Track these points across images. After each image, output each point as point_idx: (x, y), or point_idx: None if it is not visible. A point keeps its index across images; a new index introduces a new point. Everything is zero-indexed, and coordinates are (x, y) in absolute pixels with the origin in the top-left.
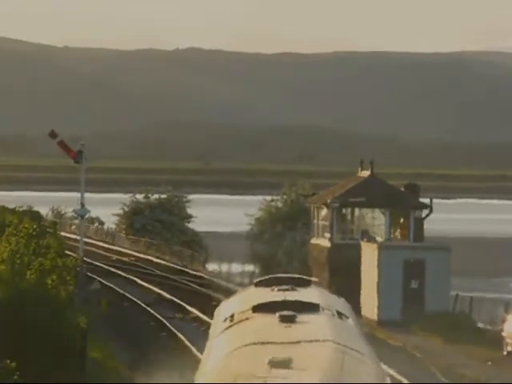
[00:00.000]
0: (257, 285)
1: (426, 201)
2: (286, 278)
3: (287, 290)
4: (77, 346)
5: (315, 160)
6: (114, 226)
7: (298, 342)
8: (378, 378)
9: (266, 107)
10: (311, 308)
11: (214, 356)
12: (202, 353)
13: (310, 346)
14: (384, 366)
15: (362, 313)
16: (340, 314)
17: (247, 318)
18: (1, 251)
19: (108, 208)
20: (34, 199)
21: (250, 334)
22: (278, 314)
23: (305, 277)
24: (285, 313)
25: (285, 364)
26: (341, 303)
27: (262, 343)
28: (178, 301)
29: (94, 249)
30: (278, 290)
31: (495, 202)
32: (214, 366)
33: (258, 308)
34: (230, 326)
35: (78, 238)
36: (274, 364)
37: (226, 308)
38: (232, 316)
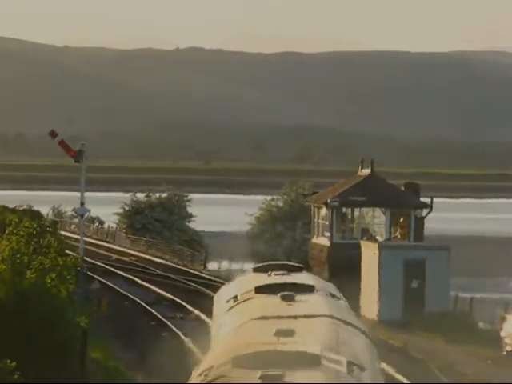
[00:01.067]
0: (254, 270)
1: (427, 200)
2: (280, 264)
3: (283, 274)
4: (77, 345)
5: (315, 160)
6: (114, 226)
7: (299, 317)
8: (368, 348)
9: (267, 107)
10: (307, 289)
11: (225, 330)
12: (201, 352)
13: (309, 320)
14: (383, 365)
15: (362, 312)
16: (332, 295)
17: (251, 298)
18: (1, 250)
19: (108, 207)
20: (34, 198)
21: (256, 310)
22: (279, 294)
23: (296, 264)
24: (285, 293)
25: (290, 334)
26: (331, 286)
27: (268, 318)
28: (179, 300)
29: (94, 248)
30: (275, 274)
31: (495, 201)
32: (227, 337)
33: (261, 289)
34: (236, 305)
35: (78, 237)
36: (281, 333)
37: (227, 291)
38: (235, 297)
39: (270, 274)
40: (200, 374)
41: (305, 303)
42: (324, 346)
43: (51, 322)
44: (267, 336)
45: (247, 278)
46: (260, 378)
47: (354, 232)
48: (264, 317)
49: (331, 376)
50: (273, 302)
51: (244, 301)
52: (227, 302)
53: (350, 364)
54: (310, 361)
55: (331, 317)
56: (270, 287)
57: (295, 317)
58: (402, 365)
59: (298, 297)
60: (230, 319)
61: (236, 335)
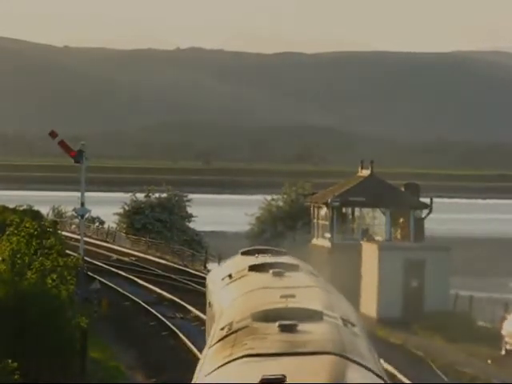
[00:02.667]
0: (242, 254)
1: (426, 200)
2: (264, 248)
3: (268, 256)
4: (77, 345)
5: (315, 160)
6: (114, 226)
7: (292, 287)
8: (352, 309)
9: (266, 107)
10: (293, 268)
11: (227, 300)
12: (201, 352)
13: (303, 289)
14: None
15: (362, 311)
16: (313, 273)
17: (246, 275)
18: (1, 251)
19: (108, 207)
20: (34, 198)
21: (253, 283)
22: (270, 271)
23: (278, 248)
24: (275, 270)
25: (293, 297)
26: (310, 267)
27: (266, 288)
28: (179, 300)
29: (94, 248)
30: (262, 256)
31: (495, 201)
32: (232, 304)
33: (253, 268)
34: (233, 281)
35: (79, 237)
36: (286, 297)
37: (219, 271)
38: (230, 275)
39: (257, 257)
40: (222, 329)
41: (294, 278)
42: (322, 306)
43: (51, 323)
44: (275, 298)
45: (237, 260)
46: (278, 327)
47: (354, 232)
48: (265, 287)
49: (332, 327)
50: (266, 278)
51: (240, 277)
52: (222, 279)
53: (343, 320)
54: (315, 315)
55: (318, 287)
56: (262, 266)
57: (290, 287)
58: (402, 363)
59: (286, 273)
60: (229, 292)
61: (244, 300)
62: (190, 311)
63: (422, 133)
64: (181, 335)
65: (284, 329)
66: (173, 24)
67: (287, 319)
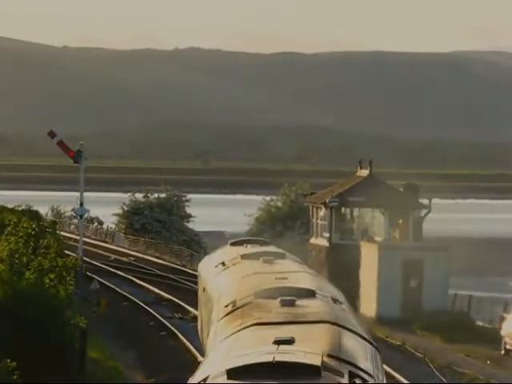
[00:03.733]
0: (231, 244)
1: (425, 201)
2: (251, 239)
3: (256, 246)
4: (76, 345)
5: (314, 160)
6: (113, 226)
7: (283, 272)
8: (336, 290)
9: (266, 107)
10: (280, 256)
11: (224, 283)
12: (200, 352)
13: (292, 274)
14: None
15: (362, 311)
16: (298, 261)
17: (239, 263)
18: (0, 251)
19: (107, 207)
20: (34, 198)
21: (248, 269)
22: (261, 259)
23: (263, 239)
24: (266, 258)
25: (286, 278)
26: (294, 256)
27: (260, 273)
28: (177, 300)
29: (93, 248)
30: (250, 246)
31: (494, 201)
32: (231, 286)
33: (246, 256)
34: (226, 268)
35: (78, 237)
36: (280, 278)
37: (212, 260)
38: (223, 263)
39: (246, 246)
40: (226, 306)
41: (282, 264)
42: (313, 286)
43: (50, 323)
44: (271, 280)
45: (227, 250)
46: (279, 302)
47: (353, 233)
48: (259, 272)
49: (325, 303)
50: (258, 264)
51: (233, 265)
52: (216, 267)
53: (332, 298)
54: (309, 293)
55: (305, 272)
56: (253, 255)
57: (282, 272)
58: (401, 363)
59: (276, 261)
60: (225, 277)
61: (243, 283)
62: (188, 311)
63: (422, 133)
64: (179, 335)
65: (285, 303)
66: (172, 24)
67: (286, 296)
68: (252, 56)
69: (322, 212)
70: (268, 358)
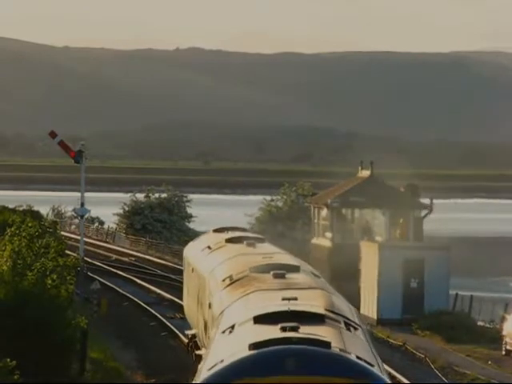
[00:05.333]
0: (214, 231)
1: (426, 201)
2: (230, 227)
3: (237, 232)
4: (77, 345)
5: (315, 160)
6: (114, 226)
7: (267, 253)
8: (310, 267)
9: (266, 107)
10: (260, 240)
11: (214, 263)
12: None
13: (275, 254)
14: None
15: (362, 312)
16: (275, 245)
17: (223, 246)
18: (2, 251)
19: (108, 208)
20: (34, 198)
21: (234, 251)
22: (244, 242)
23: (241, 227)
24: (248, 241)
25: (272, 257)
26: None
27: (246, 254)
28: (179, 301)
29: (94, 248)
30: (231, 232)
31: (495, 201)
32: (222, 265)
33: (229, 240)
34: (213, 251)
35: (78, 237)
36: (266, 257)
37: (196, 245)
38: (209, 247)
39: (227, 233)
40: (224, 280)
41: (264, 247)
42: (297, 263)
43: (51, 323)
44: (259, 259)
45: (210, 236)
46: (272, 275)
47: (354, 233)
48: (244, 253)
49: (310, 276)
50: (242, 247)
51: (219, 248)
52: (202, 250)
53: (312, 273)
54: (295, 269)
55: (285, 253)
56: (236, 239)
57: (265, 253)
58: (401, 363)
59: (257, 245)
60: (212, 259)
61: (233, 261)
62: None
63: (422, 133)
64: (181, 335)
65: (277, 276)
66: (172, 24)
67: (277, 270)
68: (252, 56)
69: (324, 212)
70: (283, 308)
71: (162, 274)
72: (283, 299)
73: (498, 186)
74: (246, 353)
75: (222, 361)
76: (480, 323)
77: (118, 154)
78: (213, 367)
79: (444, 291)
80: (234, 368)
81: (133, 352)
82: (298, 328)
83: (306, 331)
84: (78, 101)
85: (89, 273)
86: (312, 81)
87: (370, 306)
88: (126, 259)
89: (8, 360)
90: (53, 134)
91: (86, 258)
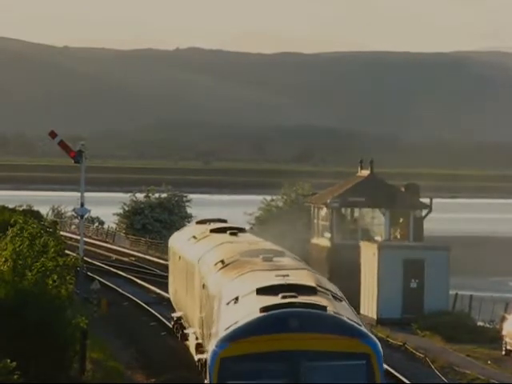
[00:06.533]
0: (197, 223)
1: (426, 201)
2: (212, 219)
3: (217, 224)
4: (77, 345)
5: (315, 160)
6: (114, 226)
7: (250, 241)
8: (291, 253)
9: (267, 107)
10: (241, 230)
11: (202, 251)
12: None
13: (259, 242)
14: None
15: (362, 312)
16: (255, 235)
17: (208, 236)
18: (4, 251)
19: (108, 207)
20: (34, 199)
21: (220, 240)
22: (228, 232)
23: (222, 219)
24: (231, 231)
25: (257, 243)
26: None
27: (232, 242)
28: None
29: (94, 248)
30: (213, 224)
31: (495, 201)
32: (211, 252)
33: (214, 230)
34: (199, 240)
35: (78, 237)
36: (251, 244)
37: (181, 236)
38: (194, 236)
39: (209, 224)
40: (215, 264)
41: (245, 237)
42: (281, 248)
43: (51, 323)
44: (245, 245)
45: (194, 227)
46: (262, 259)
47: (353, 233)
48: (230, 241)
49: (294, 259)
50: (226, 236)
51: (204, 237)
52: (188, 240)
53: (294, 258)
54: (280, 253)
55: (267, 241)
56: (220, 229)
57: (249, 241)
58: (402, 363)
59: (239, 234)
60: (202, 246)
61: (221, 248)
62: None
63: (422, 133)
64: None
65: (266, 259)
66: (172, 24)
67: (265, 254)
68: (252, 56)
69: (324, 212)
70: (282, 282)
71: (162, 273)
72: (277, 276)
73: (498, 186)
74: (259, 314)
75: (236, 322)
76: (480, 323)
77: (118, 154)
78: (229, 327)
79: (444, 291)
80: (250, 326)
81: (133, 352)
82: (297, 297)
83: (303, 299)
84: (78, 101)
85: (89, 273)
86: (312, 81)
87: (369, 306)
88: (126, 259)
89: (8, 361)
90: (53, 134)
91: (86, 258)
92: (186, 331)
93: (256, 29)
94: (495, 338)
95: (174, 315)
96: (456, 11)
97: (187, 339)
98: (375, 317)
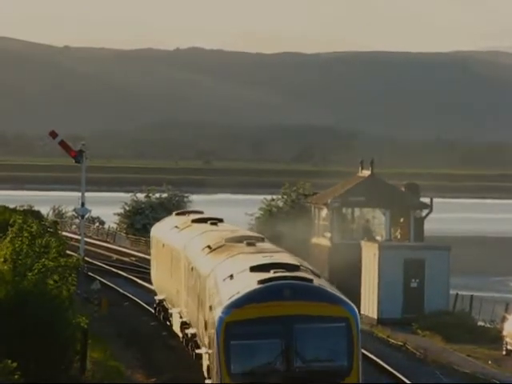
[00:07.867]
0: (177, 214)
1: (427, 200)
2: (191, 210)
3: (197, 214)
4: (77, 345)
5: (315, 160)
6: (114, 226)
7: (230, 230)
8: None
9: (267, 107)
10: (220, 221)
11: (186, 239)
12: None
13: (238, 231)
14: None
15: (362, 312)
16: (232, 225)
17: (190, 226)
18: (4, 251)
19: (109, 207)
20: (34, 199)
21: (202, 229)
22: (208, 222)
23: (200, 210)
24: (212, 221)
25: (237, 232)
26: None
27: (213, 230)
28: None
29: (94, 248)
30: (193, 215)
31: (495, 201)
32: (195, 239)
33: (195, 220)
34: (181, 230)
35: (79, 237)
36: (232, 232)
37: (163, 226)
38: (177, 226)
39: (189, 215)
40: (203, 249)
41: (224, 226)
42: (258, 235)
43: (51, 323)
44: (228, 233)
45: (175, 218)
46: (246, 244)
47: (354, 232)
48: (212, 230)
49: (273, 245)
50: (207, 226)
51: (186, 227)
52: (171, 230)
53: (272, 244)
54: (260, 239)
55: (242, 230)
56: (201, 219)
57: (229, 230)
58: (402, 362)
59: (218, 224)
60: (186, 235)
61: (205, 236)
62: None
63: (422, 133)
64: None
65: (250, 244)
66: (173, 24)
67: (248, 240)
68: (252, 56)
69: (324, 212)
70: (271, 261)
71: None
72: (264, 257)
73: (498, 186)
74: (257, 286)
75: (238, 292)
76: (480, 323)
77: (118, 154)
78: (231, 297)
79: (444, 291)
80: (250, 295)
81: (133, 352)
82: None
83: (292, 274)
84: (78, 101)
85: (89, 273)
86: (312, 81)
87: (370, 306)
88: (126, 259)
89: (9, 361)
90: (53, 134)
91: (86, 258)
92: (170, 311)
93: (256, 29)
94: (496, 338)
95: (157, 298)
96: (456, 11)
97: (170, 318)
98: (376, 316)
